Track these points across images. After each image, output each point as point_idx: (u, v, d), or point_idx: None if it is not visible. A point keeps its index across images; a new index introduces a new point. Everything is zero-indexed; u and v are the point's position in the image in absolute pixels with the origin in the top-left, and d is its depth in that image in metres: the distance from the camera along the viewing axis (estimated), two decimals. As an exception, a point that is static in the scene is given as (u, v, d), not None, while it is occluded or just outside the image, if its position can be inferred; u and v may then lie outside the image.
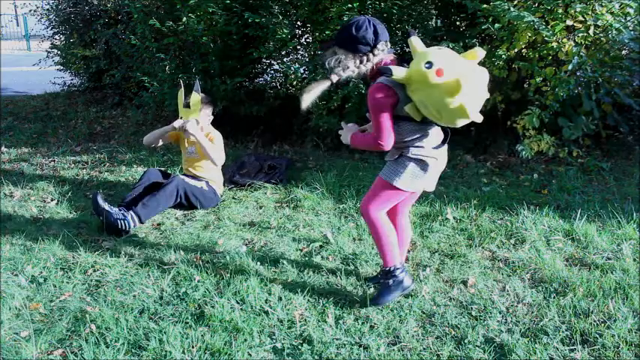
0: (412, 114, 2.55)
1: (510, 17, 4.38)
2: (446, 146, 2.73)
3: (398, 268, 2.80)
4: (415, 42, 2.57)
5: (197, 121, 4.08)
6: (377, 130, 2.55)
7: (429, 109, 2.47)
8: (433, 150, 2.66)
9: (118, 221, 3.61)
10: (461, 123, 2.51)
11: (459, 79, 2.34)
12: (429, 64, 2.39)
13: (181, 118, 4.11)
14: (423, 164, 2.66)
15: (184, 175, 4.25)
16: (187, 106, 4.09)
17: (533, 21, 4.34)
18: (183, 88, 4.10)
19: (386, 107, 2.53)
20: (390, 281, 2.79)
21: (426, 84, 2.40)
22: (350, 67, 2.61)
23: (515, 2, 4.66)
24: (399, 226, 2.94)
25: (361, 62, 2.61)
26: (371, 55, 2.59)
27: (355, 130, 2.80)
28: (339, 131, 2.89)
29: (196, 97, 4.08)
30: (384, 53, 2.63)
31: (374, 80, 2.64)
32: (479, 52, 2.49)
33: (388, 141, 2.54)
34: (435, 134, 2.68)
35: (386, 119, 2.53)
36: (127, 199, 3.91)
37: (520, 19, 4.34)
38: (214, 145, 4.15)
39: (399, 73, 2.45)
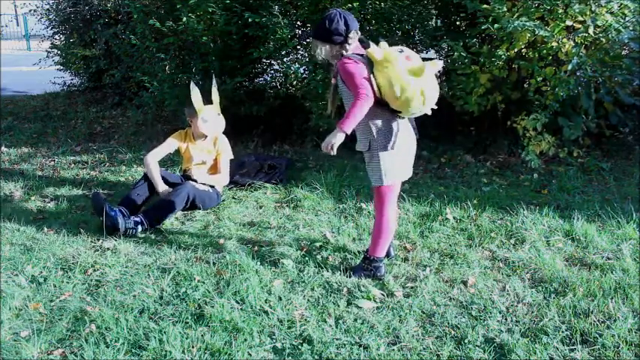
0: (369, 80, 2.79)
1: (503, 23, 4.39)
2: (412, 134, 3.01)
3: (380, 260, 3.08)
4: (383, 46, 2.84)
5: (204, 118, 4.05)
6: (354, 84, 2.73)
7: (392, 89, 2.71)
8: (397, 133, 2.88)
9: (128, 230, 3.60)
10: (414, 109, 2.79)
11: (424, 65, 2.75)
12: (401, 50, 2.80)
13: (203, 119, 4.04)
14: (392, 149, 2.87)
15: (184, 174, 4.25)
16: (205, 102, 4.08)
17: (530, 27, 4.35)
18: (196, 88, 4.02)
19: (360, 68, 2.75)
20: (366, 266, 3.10)
21: (396, 64, 2.72)
22: (330, 55, 2.90)
23: (515, 9, 4.66)
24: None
25: (340, 49, 2.86)
26: (346, 44, 2.84)
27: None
28: (326, 146, 2.82)
29: (217, 93, 4.10)
30: (355, 41, 2.87)
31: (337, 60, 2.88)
32: (438, 64, 2.86)
33: (366, 88, 2.71)
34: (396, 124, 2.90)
35: (362, 75, 2.73)
36: (128, 201, 3.89)
37: (518, 29, 4.36)
38: (221, 174, 4.21)
39: (375, 49, 2.79)
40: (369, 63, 2.79)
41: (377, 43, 2.87)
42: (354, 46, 2.86)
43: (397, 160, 2.91)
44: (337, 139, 2.77)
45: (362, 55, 2.83)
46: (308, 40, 5.69)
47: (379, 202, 3.00)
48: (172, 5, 5.51)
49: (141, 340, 2.51)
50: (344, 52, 2.84)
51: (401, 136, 2.87)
